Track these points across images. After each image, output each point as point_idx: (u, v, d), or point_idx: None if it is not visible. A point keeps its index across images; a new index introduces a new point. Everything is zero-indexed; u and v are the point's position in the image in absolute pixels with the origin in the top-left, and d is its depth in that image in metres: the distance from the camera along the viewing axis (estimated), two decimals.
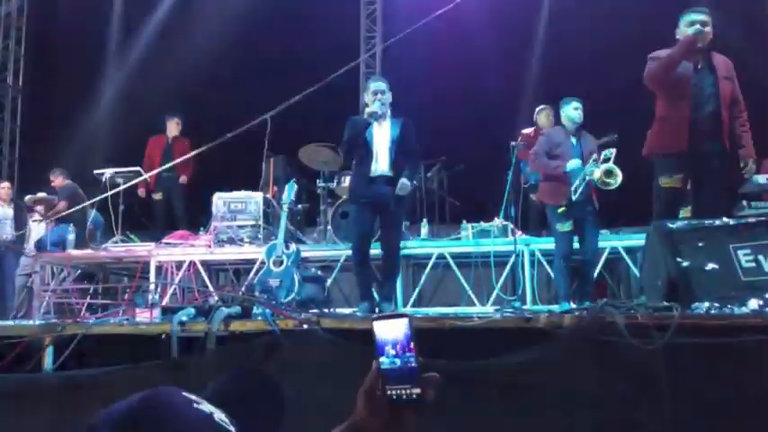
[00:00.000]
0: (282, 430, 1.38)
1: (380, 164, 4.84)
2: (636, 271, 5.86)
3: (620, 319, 3.02)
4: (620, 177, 4.96)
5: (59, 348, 3.53)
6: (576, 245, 5.26)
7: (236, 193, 6.69)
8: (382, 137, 4.87)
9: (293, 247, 5.24)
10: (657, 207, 4.41)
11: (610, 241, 5.94)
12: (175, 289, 6.10)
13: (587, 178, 5.05)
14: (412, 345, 1.02)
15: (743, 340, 2.89)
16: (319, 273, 5.64)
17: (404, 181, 4.77)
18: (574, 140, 5.27)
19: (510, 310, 3.85)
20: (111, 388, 3.28)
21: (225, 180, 7.53)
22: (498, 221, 6.24)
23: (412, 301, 6.20)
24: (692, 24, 4.30)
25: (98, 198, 6.50)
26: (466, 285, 6.06)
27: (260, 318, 3.52)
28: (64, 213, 7.20)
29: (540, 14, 9.05)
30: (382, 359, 1.03)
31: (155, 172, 6.94)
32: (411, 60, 9.33)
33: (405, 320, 1.03)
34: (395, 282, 5.19)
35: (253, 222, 6.56)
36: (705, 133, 4.31)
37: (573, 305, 4.96)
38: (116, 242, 6.82)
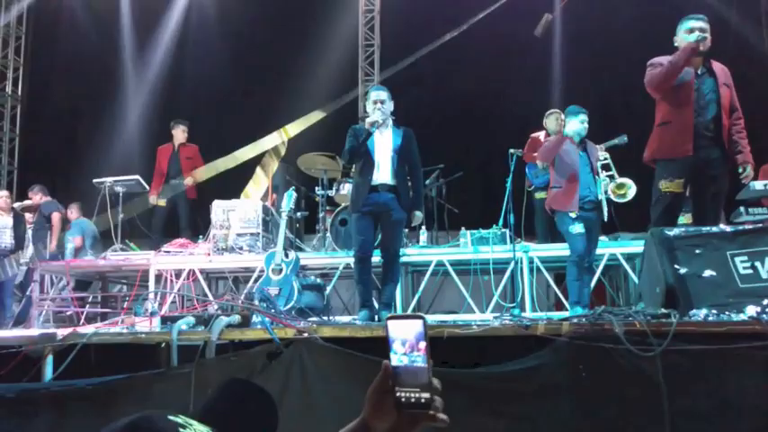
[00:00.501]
0: None
1: (382, 173, 4.85)
2: (634, 278, 5.86)
3: (618, 327, 3.04)
4: (632, 188, 4.98)
5: (59, 358, 3.53)
6: None
7: (235, 201, 6.69)
8: (384, 146, 4.89)
9: (292, 254, 5.25)
10: (656, 212, 4.42)
11: (608, 248, 5.95)
12: (175, 297, 6.10)
13: (607, 192, 5.10)
14: (422, 345, 1.02)
15: (741, 347, 2.91)
16: (318, 281, 5.65)
17: (417, 214, 5.04)
18: (579, 151, 5.26)
19: (509, 317, 3.85)
20: (111, 397, 3.28)
21: (224, 188, 7.57)
22: (496, 229, 6.25)
23: (411, 308, 6.20)
24: (691, 31, 4.33)
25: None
26: (465, 292, 6.06)
27: (259, 326, 3.52)
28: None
29: (540, 21, 9.08)
30: (391, 356, 1.03)
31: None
32: (409, 68, 9.39)
33: (419, 321, 1.03)
34: (394, 289, 5.19)
35: (252, 230, 6.57)
36: (706, 139, 4.34)
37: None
38: (115, 251, 6.82)
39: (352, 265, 5.05)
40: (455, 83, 9.28)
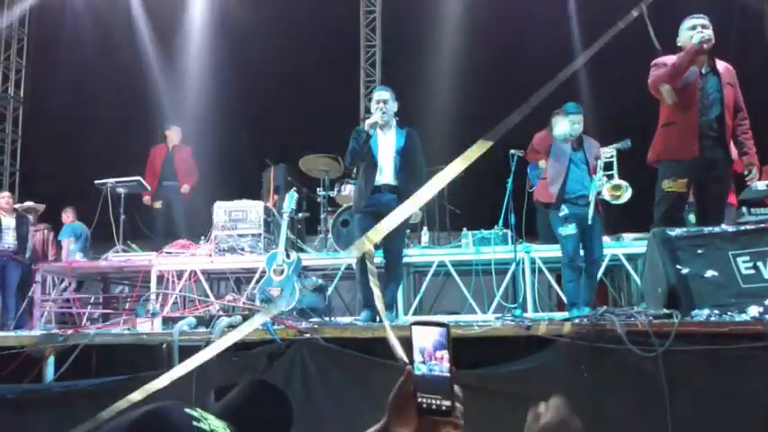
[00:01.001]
0: None
1: (385, 174, 4.85)
2: (636, 278, 5.85)
3: (620, 327, 3.03)
4: (628, 191, 4.86)
5: (60, 359, 3.54)
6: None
7: (236, 202, 6.70)
8: (387, 147, 4.89)
9: (294, 255, 5.25)
10: (659, 212, 4.40)
11: (611, 248, 5.93)
12: (176, 298, 6.10)
13: (598, 191, 4.97)
14: (441, 354, 1.02)
15: (743, 347, 2.90)
16: (320, 281, 5.64)
17: (417, 213, 5.11)
18: (575, 145, 5.19)
19: (510, 317, 3.85)
20: (113, 398, 3.28)
21: (226, 189, 7.56)
22: (498, 229, 6.24)
23: (413, 309, 6.19)
24: (693, 29, 4.31)
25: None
26: (467, 293, 6.06)
27: (261, 327, 3.52)
28: None
29: (540, 21, 9.08)
30: (415, 362, 1.03)
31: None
32: (411, 67, 9.38)
33: (440, 330, 1.03)
34: (396, 290, 5.19)
35: (254, 231, 6.57)
36: (710, 139, 4.32)
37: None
38: (117, 252, 6.83)
39: (354, 266, 5.05)
40: (456, 82, 9.28)
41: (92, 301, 6.91)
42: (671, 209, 4.36)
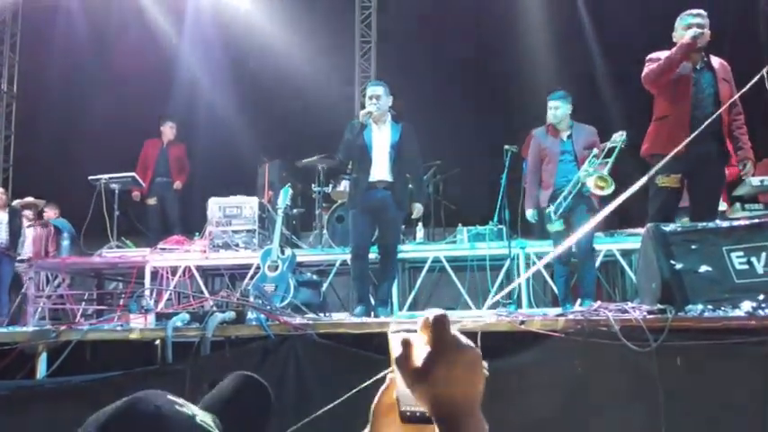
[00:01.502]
0: None
1: (379, 169, 4.84)
2: (630, 273, 5.86)
3: (614, 322, 3.03)
4: (612, 186, 4.81)
5: (53, 355, 3.52)
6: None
7: (231, 198, 6.68)
8: (382, 142, 4.87)
9: (288, 251, 5.24)
10: (653, 207, 4.41)
11: (605, 244, 5.95)
12: (171, 294, 6.08)
13: (581, 183, 4.95)
14: None
15: (736, 342, 2.91)
16: (315, 277, 5.65)
17: (417, 206, 5.11)
18: (564, 136, 5.16)
19: (505, 313, 3.85)
20: (106, 394, 3.26)
21: (220, 185, 7.54)
22: (493, 225, 6.25)
23: (408, 304, 6.20)
24: (689, 27, 4.32)
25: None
26: (462, 289, 6.06)
27: (255, 323, 3.51)
28: None
29: (537, 17, 9.07)
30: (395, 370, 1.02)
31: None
32: (406, 63, 9.36)
33: (421, 336, 1.01)
34: (391, 285, 5.19)
35: (248, 227, 6.55)
36: (705, 134, 4.33)
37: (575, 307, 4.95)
38: (111, 248, 6.80)
39: (349, 262, 5.05)
40: (452, 78, 9.27)
41: (85, 297, 6.88)
42: (665, 204, 4.37)
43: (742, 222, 3.72)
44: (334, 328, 3.50)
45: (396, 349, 0.93)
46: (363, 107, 5.04)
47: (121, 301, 6.25)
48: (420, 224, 6.86)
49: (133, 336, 3.53)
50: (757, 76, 3.86)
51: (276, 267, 5.08)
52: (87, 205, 7.05)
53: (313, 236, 7.21)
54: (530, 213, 5.22)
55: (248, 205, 6.60)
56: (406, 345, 0.90)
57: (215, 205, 6.59)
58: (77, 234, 7.35)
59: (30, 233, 7.38)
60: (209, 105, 9.51)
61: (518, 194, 5.88)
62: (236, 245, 6.40)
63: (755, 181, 5.40)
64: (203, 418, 0.97)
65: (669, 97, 4.41)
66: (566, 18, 9.02)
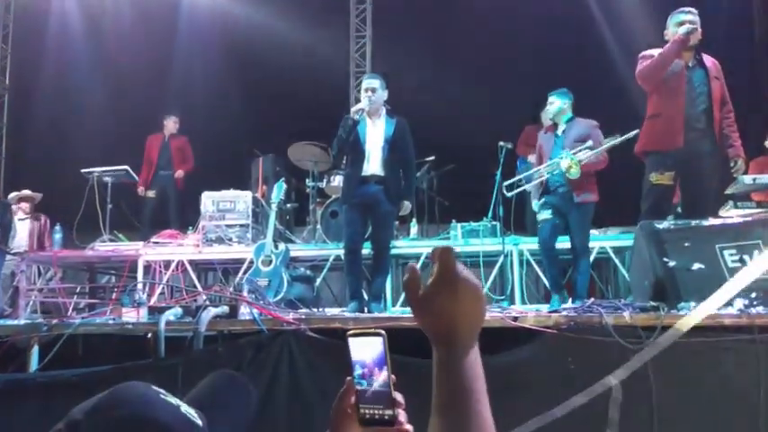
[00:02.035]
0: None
1: (372, 163, 4.82)
2: (624, 271, 5.88)
3: (607, 319, 3.04)
4: (575, 169, 4.75)
5: (45, 348, 3.50)
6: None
7: (224, 193, 6.65)
8: (375, 136, 4.85)
9: (282, 246, 5.23)
10: (646, 205, 4.43)
11: (598, 241, 5.96)
12: (163, 288, 6.06)
13: (557, 168, 4.91)
14: (380, 369, 1.00)
15: (728, 339, 2.92)
16: (308, 272, 5.63)
17: (406, 203, 4.97)
18: (560, 131, 5.15)
19: (498, 309, 3.86)
20: (97, 388, 3.25)
21: (214, 179, 7.51)
22: (486, 221, 6.25)
23: (401, 300, 6.20)
24: (681, 24, 4.35)
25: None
26: None
27: (248, 317, 3.50)
28: None
29: (529, 12, 9.06)
30: (354, 374, 1.02)
31: None
32: (401, 58, 9.33)
33: (379, 339, 0.99)
34: (384, 281, 5.18)
35: (242, 222, 6.54)
36: (698, 131, 4.36)
37: (563, 298, 4.97)
38: (104, 241, 6.77)
39: (342, 258, 5.04)
40: (447, 75, 9.25)
41: (78, 290, 6.85)
42: (658, 201, 4.39)
43: (735, 220, 3.75)
44: (328, 324, 3.50)
45: (352, 358, 0.98)
46: (358, 102, 5.02)
47: (114, 295, 6.21)
48: (414, 220, 6.85)
49: (125, 330, 3.52)
50: None
51: (269, 262, 5.07)
52: (80, 198, 7.02)
53: (307, 231, 7.20)
54: (536, 204, 5.23)
55: (242, 200, 6.58)
56: (413, 271, 0.94)
57: (208, 199, 6.56)
58: (69, 227, 7.30)
59: (24, 226, 7.33)
60: (203, 99, 9.46)
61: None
62: (230, 239, 6.37)
63: (748, 179, 5.41)
64: (187, 409, 0.98)
65: (662, 95, 4.43)
66: (566, 12, 9.02)
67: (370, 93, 4.82)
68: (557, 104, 5.15)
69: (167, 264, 6.23)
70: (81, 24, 10.13)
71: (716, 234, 3.43)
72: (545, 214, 5.03)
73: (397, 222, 6.27)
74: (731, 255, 3.31)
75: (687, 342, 2.94)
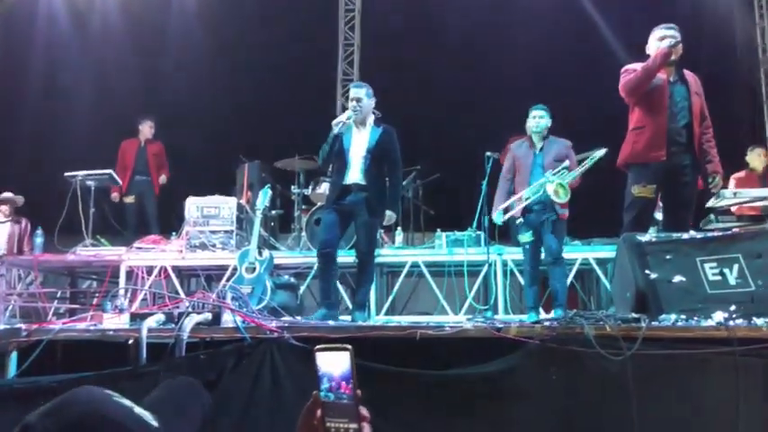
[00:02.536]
0: None
1: (353, 172, 4.79)
2: (606, 282, 5.93)
3: (589, 330, 3.06)
4: (566, 194, 4.89)
5: (23, 354, 3.45)
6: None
7: (209, 198, 6.62)
8: (359, 145, 4.84)
9: (266, 253, 5.21)
10: (629, 217, 4.48)
11: (581, 252, 6.01)
12: (146, 294, 6.01)
13: (543, 191, 4.97)
14: (347, 384, 1.02)
15: (708, 352, 2.95)
16: (292, 280, 5.61)
17: (389, 213, 4.88)
18: (537, 149, 5.21)
19: (481, 319, 3.87)
20: None
21: (198, 185, 7.47)
22: (471, 231, 6.27)
23: (385, 309, 6.19)
24: (663, 38, 4.43)
25: None
26: (439, 294, 6.08)
27: (231, 325, 3.48)
28: None
29: (516, 20, 9.15)
30: (321, 388, 1.04)
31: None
32: (388, 68, 9.37)
33: (346, 354, 1.03)
34: (368, 290, 5.15)
35: (226, 228, 6.50)
36: (680, 145, 4.43)
37: (543, 315, 4.99)
38: (86, 246, 6.70)
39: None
40: (434, 84, 9.30)
41: (58, 295, 6.77)
42: (640, 214, 4.45)
43: (716, 234, 3.79)
44: (311, 332, 3.49)
45: (318, 372, 1.06)
46: (345, 110, 5.01)
47: (95, 301, 6.14)
48: (399, 228, 6.86)
49: (106, 336, 3.48)
50: None
51: (253, 269, 5.05)
52: (62, 202, 6.94)
53: (291, 238, 7.18)
54: (496, 215, 5.27)
55: (226, 206, 6.55)
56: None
57: (192, 205, 6.52)
58: (51, 231, 7.22)
59: (4, 229, 7.24)
60: (188, 104, 9.42)
61: None
62: (214, 245, 6.34)
63: (728, 193, 5.49)
64: (141, 410, 1.01)
65: (645, 108, 4.50)
66: (554, 23, 9.12)
67: (356, 103, 4.81)
68: (546, 120, 5.21)
69: (150, 269, 6.18)
70: (66, 28, 10.05)
71: (697, 247, 3.47)
72: (527, 237, 5.12)
73: (382, 231, 6.27)
74: (711, 268, 3.35)
75: (667, 354, 2.97)
